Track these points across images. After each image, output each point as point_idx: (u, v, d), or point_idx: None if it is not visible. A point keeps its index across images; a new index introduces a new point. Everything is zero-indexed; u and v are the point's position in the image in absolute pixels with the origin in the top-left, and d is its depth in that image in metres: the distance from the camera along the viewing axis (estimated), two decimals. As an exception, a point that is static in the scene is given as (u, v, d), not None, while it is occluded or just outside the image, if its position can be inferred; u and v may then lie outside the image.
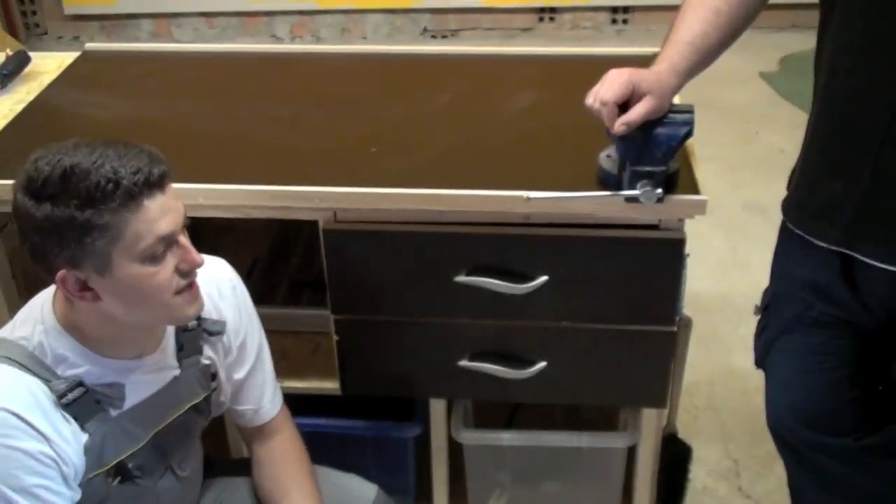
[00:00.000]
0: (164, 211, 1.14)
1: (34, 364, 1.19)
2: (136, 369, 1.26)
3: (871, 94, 1.26)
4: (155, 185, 1.12)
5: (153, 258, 1.14)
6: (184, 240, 1.18)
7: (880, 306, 1.36)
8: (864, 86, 1.27)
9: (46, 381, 1.19)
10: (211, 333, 1.36)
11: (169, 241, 1.15)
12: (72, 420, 1.20)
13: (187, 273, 1.19)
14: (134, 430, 1.27)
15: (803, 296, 1.44)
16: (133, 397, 1.27)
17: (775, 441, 1.60)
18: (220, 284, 1.38)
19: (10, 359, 1.19)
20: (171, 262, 1.16)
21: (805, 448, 1.55)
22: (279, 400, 1.50)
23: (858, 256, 1.33)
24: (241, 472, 1.54)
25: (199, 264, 1.20)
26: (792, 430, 1.54)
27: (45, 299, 1.24)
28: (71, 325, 1.21)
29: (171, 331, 1.31)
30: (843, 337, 1.43)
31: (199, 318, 1.33)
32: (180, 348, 1.32)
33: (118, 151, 1.12)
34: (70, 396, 1.19)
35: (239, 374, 1.43)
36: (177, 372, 1.32)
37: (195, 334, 1.34)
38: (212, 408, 1.41)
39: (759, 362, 1.58)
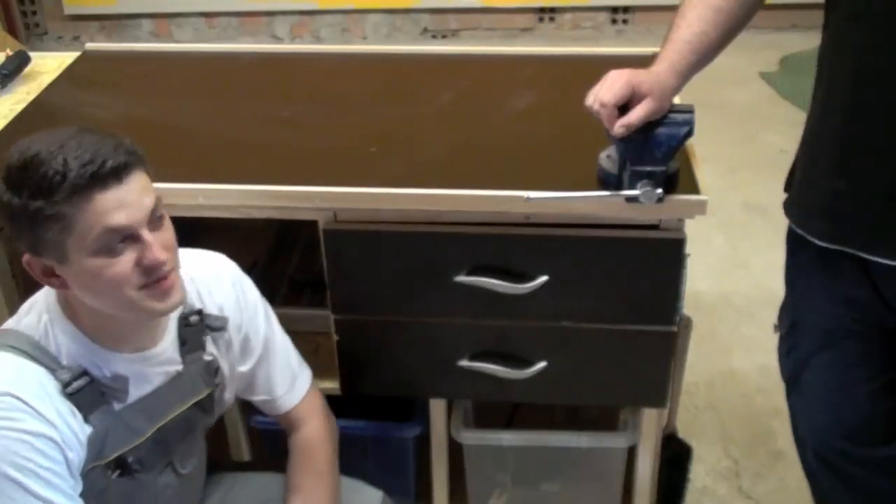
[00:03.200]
0: (120, 204, 1.11)
1: (39, 353, 1.20)
2: (138, 363, 1.26)
3: (879, 96, 1.25)
4: (107, 177, 1.10)
5: (108, 250, 1.13)
6: (147, 235, 1.14)
7: None
8: (871, 87, 1.26)
9: (51, 371, 1.19)
10: (213, 329, 1.36)
11: (124, 235, 1.13)
12: (76, 411, 1.20)
13: (150, 269, 1.15)
14: (136, 423, 1.27)
15: (829, 308, 1.42)
16: (137, 391, 1.27)
17: (811, 459, 1.58)
18: (219, 280, 1.38)
19: (16, 348, 1.19)
20: (129, 256, 1.14)
21: (844, 462, 1.53)
22: (300, 390, 1.49)
23: (871, 258, 1.32)
24: (247, 469, 1.54)
25: (159, 262, 1.15)
26: (832, 445, 1.53)
27: (49, 290, 1.25)
28: (73, 315, 1.22)
29: (173, 326, 1.31)
30: (875, 345, 1.42)
31: (201, 314, 1.34)
32: (183, 343, 1.32)
33: (81, 140, 1.11)
34: (75, 386, 1.20)
35: (244, 368, 1.43)
36: (180, 367, 1.32)
37: (198, 329, 1.34)
38: (216, 405, 1.41)
39: (792, 382, 1.55)
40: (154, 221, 1.16)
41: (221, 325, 1.36)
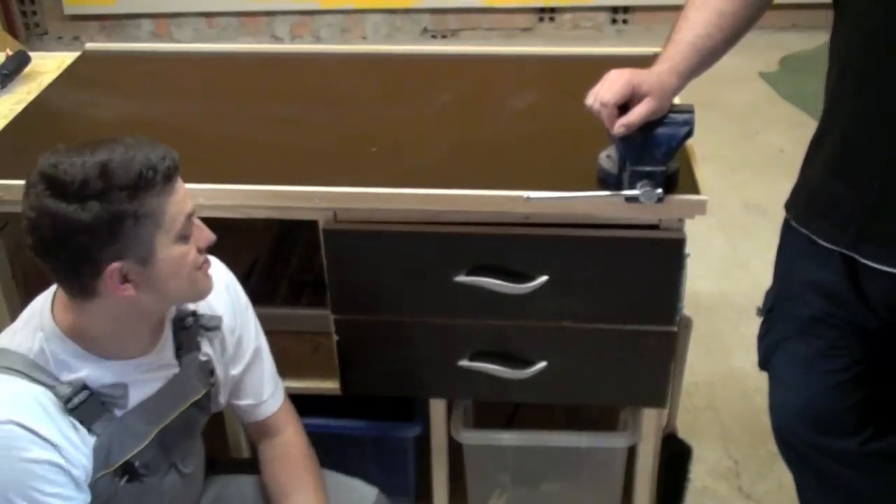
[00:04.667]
0: (184, 193, 1.21)
1: (37, 372, 1.20)
2: (137, 369, 1.27)
3: (880, 98, 1.25)
4: (176, 170, 1.19)
5: (185, 237, 1.20)
6: (197, 219, 1.24)
7: (883, 308, 1.36)
8: (873, 88, 1.26)
9: (51, 388, 1.19)
10: (208, 329, 1.37)
11: (191, 220, 1.21)
12: (79, 425, 1.21)
13: (204, 249, 1.25)
14: (139, 428, 1.27)
15: (808, 297, 1.43)
16: (136, 396, 1.27)
17: (778, 444, 1.60)
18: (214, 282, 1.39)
19: (12, 369, 1.19)
20: (193, 239, 1.22)
21: (809, 451, 1.54)
22: (280, 396, 1.51)
23: (860, 259, 1.33)
24: (243, 470, 1.54)
25: (214, 240, 1.26)
26: (796, 432, 1.54)
27: (42, 305, 1.25)
28: (71, 329, 1.21)
29: (168, 330, 1.32)
30: (848, 338, 1.43)
31: (195, 315, 1.35)
32: (179, 346, 1.33)
33: (134, 143, 1.16)
34: (75, 401, 1.20)
35: (236, 371, 1.44)
36: (177, 370, 1.33)
37: (193, 331, 1.35)
38: (211, 404, 1.42)
39: (763, 364, 1.57)
40: None
41: (216, 324, 1.38)
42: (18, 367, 1.19)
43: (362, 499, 1.52)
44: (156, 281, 1.19)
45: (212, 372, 1.39)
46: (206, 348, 1.38)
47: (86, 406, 1.21)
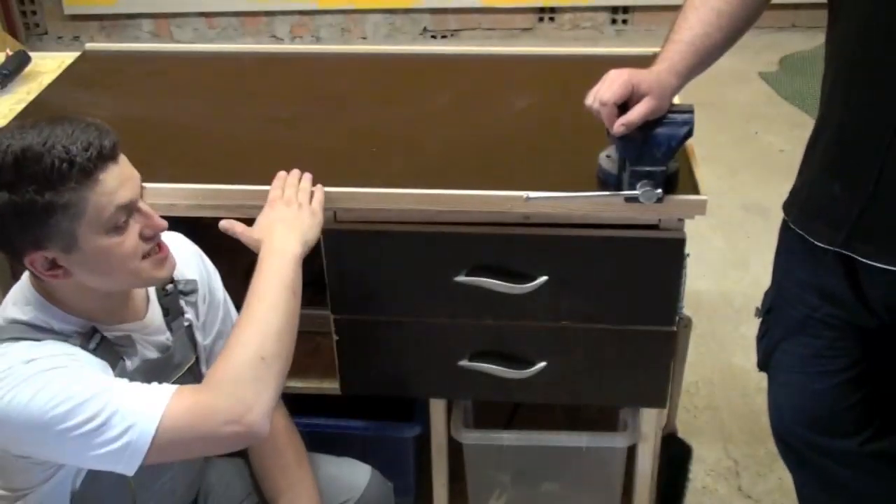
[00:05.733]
0: (121, 180, 1.16)
1: (44, 333, 1.19)
2: (131, 333, 1.28)
3: (874, 100, 1.26)
4: (108, 157, 1.14)
5: (117, 228, 1.17)
6: (144, 206, 1.20)
7: (882, 307, 1.36)
8: (866, 88, 1.27)
9: (65, 339, 1.19)
10: (186, 293, 1.39)
11: (130, 209, 1.18)
12: (108, 367, 1.21)
13: (151, 237, 1.22)
14: None
15: (807, 298, 1.43)
16: (140, 356, 1.29)
17: (778, 445, 1.60)
18: (183, 251, 1.41)
19: (18, 338, 1.18)
20: (134, 228, 1.19)
21: (809, 451, 1.54)
22: None
23: (858, 258, 1.33)
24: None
25: (163, 228, 1.23)
26: (796, 433, 1.54)
27: (23, 283, 1.25)
28: (55, 301, 1.22)
29: (153, 297, 1.34)
30: (847, 339, 1.43)
31: (174, 281, 1.36)
32: (166, 313, 1.35)
33: (66, 129, 1.13)
34: (93, 343, 1.21)
35: (207, 341, 1.45)
36: (169, 335, 1.35)
37: (174, 297, 1.37)
38: (202, 372, 1.43)
39: (762, 365, 1.57)
40: (142, 192, 1.21)
41: (192, 287, 1.39)
42: (25, 335, 1.18)
43: (356, 479, 1.53)
44: (91, 268, 1.18)
45: (195, 337, 1.41)
46: (189, 314, 1.40)
47: (103, 349, 1.21)
